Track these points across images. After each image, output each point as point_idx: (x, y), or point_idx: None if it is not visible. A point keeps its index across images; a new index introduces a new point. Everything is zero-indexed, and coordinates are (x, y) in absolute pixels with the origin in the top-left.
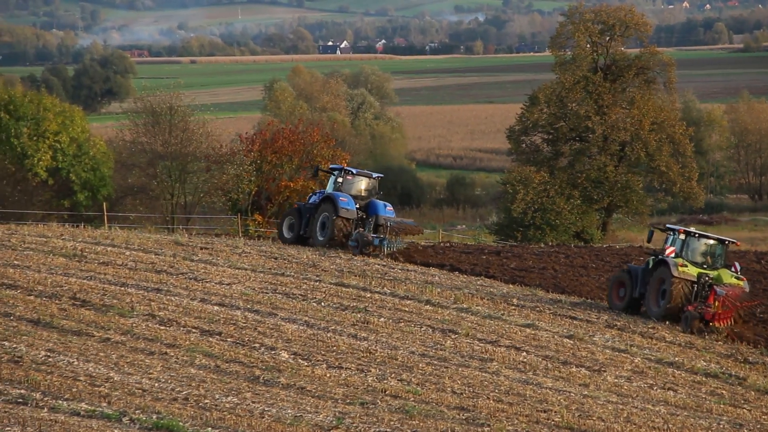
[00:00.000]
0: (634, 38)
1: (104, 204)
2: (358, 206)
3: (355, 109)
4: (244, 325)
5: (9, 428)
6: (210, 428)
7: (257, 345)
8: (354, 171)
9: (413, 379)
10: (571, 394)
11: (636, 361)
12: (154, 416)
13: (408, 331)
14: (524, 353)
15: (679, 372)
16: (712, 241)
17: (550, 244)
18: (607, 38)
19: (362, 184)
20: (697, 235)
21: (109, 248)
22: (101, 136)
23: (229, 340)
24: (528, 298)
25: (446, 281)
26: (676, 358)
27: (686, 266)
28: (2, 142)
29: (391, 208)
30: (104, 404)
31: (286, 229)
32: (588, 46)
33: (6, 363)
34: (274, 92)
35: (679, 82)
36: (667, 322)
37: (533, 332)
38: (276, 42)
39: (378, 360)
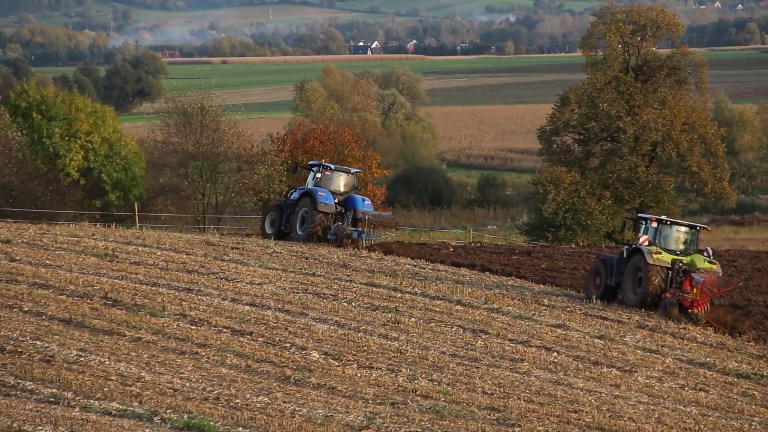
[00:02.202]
0: (665, 38)
1: (135, 204)
2: (336, 201)
3: (385, 110)
4: (275, 325)
5: (41, 427)
6: (241, 428)
7: (288, 345)
8: (332, 167)
9: (444, 380)
10: (602, 394)
11: (667, 361)
12: (185, 416)
13: (439, 331)
14: (555, 353)
15: (710, 373)
16: (683, 228)
17: (581, 244)
18: (639, 38)
19: (341, 180)
20: (669, 223)
21: (140, 248)
22: (133, 137)
23: (260, 339)
24: (559, 299)
25: (477, 281)
26: (708, 359)
27: (660, 253)
28: (34, 142)
29: (369, 202)
30: (135, 404)
31: (267, 225)
32: (619, 46)
33: (38, 362)
34: (305, 92)
35: (710, 82)
36: (644, 310)
37: (564, 332)
38: (307, 42)
39: (409, 360)
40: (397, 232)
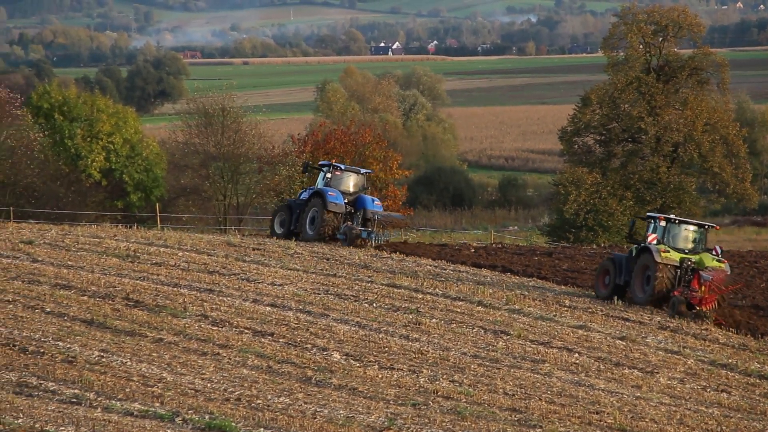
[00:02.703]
0: (687, 39)
1: (157, 205)
2: (346, 201)
3: (407, 110)
4: (296, 325)
5: (63, 428)
6: (262, 428)
7: (309, 346)
8: (342, 167)
9: (465, 380)
10: (624, 395)
11: (689, 362)
12: (207, 416)
13: (460, 332)
14: (576, 354)
15: (732, 374)
16: (692, 227)
17: (603, 245)
18: (660, 39)
19: (351, 180)
20: (677, 222)
21: (161, 249)
22: (154, 137)
23: (281, 340)
24: (580, 300)
25: (498, 282)
26: (730, 360)
27: (669, 252)
28: (56, 143)
29: (379, 203)
30: (157, 404)
31: (277, 225)
32: (641, 46)
33: (60, 363)
34: (326, 93)
35: (732, 82)
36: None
37: (585, 333)
38: (328, 43)
39: (430, 361)
40: (417, 233)
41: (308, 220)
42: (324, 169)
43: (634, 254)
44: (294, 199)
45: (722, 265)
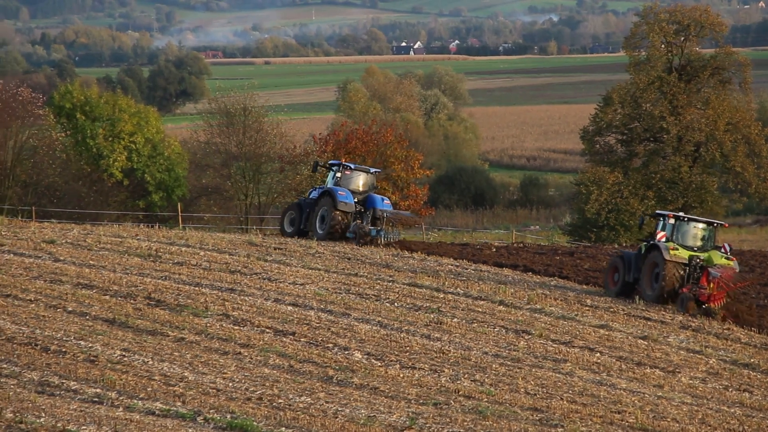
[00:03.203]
0: (709, 38)
1: (179, 204)
2: (356, 200)
3: (428, 110)
4: (318, 325)
5: (85, 427)
6: (284, 428)
7: (331, 345)
8: (352, 166)
9: (486, 380)
10: (646, 395)
11: (711, 362)
12: (228, 416)
13: (481, 331)
14: (598, 354)
15: (754, 373)
16: (701, 224)
17: (624, 245)
18: (682, 38)
19: (360, 179)
20: (686, 219)
21: (183, 248)
22: (176, 137)
23: (302, 340)
24: (602, 299)
25: (520, 282)
26: (752, 360)
27: (677, 249)
28: (78, 143)
29: (389, 202)
30: (179, 404)
31: (287, 224)
32: (662, 46)
33: (82, 362)
34: (347, 93)
35: (754, 82)
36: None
37: (607, 333)
38: (350, 43)
39: (451, 360)
40: (439, 233)
41: (318, 219)
42: (333, 168)
43: (643, 252)
44: (304, 198)
45: (731, 262)
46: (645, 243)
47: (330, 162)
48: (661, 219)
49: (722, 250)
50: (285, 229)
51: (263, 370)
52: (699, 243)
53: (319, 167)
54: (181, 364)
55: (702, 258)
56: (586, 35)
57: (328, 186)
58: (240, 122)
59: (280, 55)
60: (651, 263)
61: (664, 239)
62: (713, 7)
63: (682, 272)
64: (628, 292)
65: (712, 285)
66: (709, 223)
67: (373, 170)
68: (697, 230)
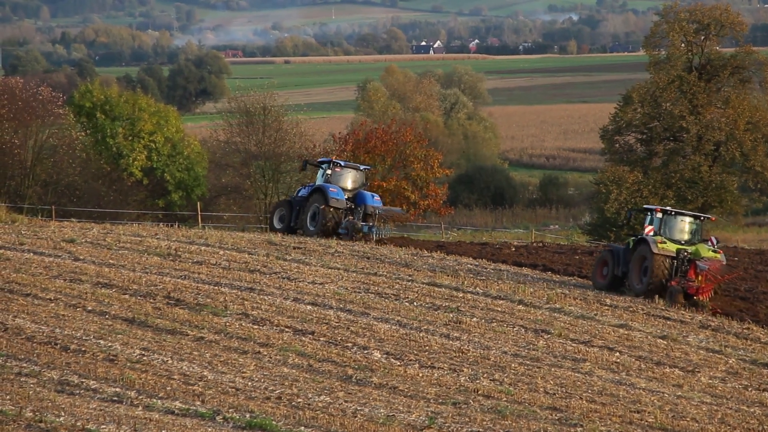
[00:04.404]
0: (729, 37)
1: (198, 204)
2: (346, 197)
3: (447, 109)
4: (337, 324)
5: (104, 426)
6: (303, 427)
7: (350, 344)
8: (342, 163)
9: (506, 379)
10: (665, 394)
11: (730, 361)
12: (248, 415)
13: (500, 331)
14: (617, 353)
15: None
16: (688, 218)
17: None
18: (702, 37)
19: (350, 177)
20: (674, 213)
21: (202, 248)
22: (195, 136)
23: (321, 339)
24: (621, 299)
25: (539, 281)
26: None
27: (665, 243)
28: (98, 142)
29: (378, 199)
30: (198, 403)
31: (276, 221)
32: (683, 45)
33: (101, 361)
34: (367, 92)
35: None
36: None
37: (626, 332)
38: (369, 42)
39: (470, 360)
40: (458, 232)
41: (309, 216)
42: (323, 165)
43: (631, 246)
44: (293, 196)
45: (718, 255)
46: (633, 237)
47: (320, 159)
48: (649, 213)
49: (709, 244)
50: (274, 226)
51: (282, 369)
52: (686, 237)
53: (308, 165)
54: (201, 363)
55: (689, 251)
56: (606, 34)
57: (319, 183)
58: (260, 121)
59: (300, 55)
60: (639, 257)
61: (652, 233)
62: (733, 6)
63: (669, 265)
64: (616, 285)
65: (700, 278)
66: (696, 217)
67: (363, 167)
68: (684, 224)
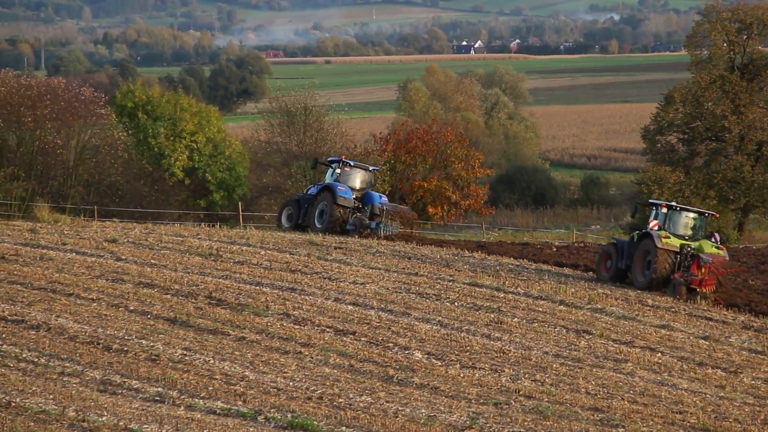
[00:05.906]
0: None
1: (239, 204)
2: (354, 196)
3: (488, 109)
4: (378, 324)
5: (147, 426)
6: (344, 427)
7: (391, 345)
8: (352, 163)
9: (547, 380)
10: (707, 395)
11: None
12: (289, 415)
13: (542, 331)
14: (659, 354)
15: None
16: (693, 214)
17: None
18: (745, 37)
19: (359, 176)
20: (678, 209)
21: (244, 248)
22: (237, 136)
23: (362, 339)
24: (663, 299)
25: (580, 281)
26: None
27: (669, 238)
28: (140, 142)
29: (386, 199)
30: (240, 403)
31: (284, 219)
32: (725, 44)
33: (143, 361)
34: (408, 92)
35: None
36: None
37: (668, 333)
38: (410, 42)
39: (511, 360)
40: (499, 232)
41: (317, 214)
42: (333, 165)
43: (635, 240)
44: (302, 194)
45: (720, 251)
46: (637, 231)
47: (330, 159)
48: (654, 208)
49: (713, 240)
50: (282, 224)
51: (324, 369)
52: (690, 232)
53: (318, 164)
54: (242, 363)
55: (693, 246)
56: (647, 34)
57: (328, 182)
58: (301, 121)
59: (341, 54)
60: (643, 251)
61: (656, 228)
62: None
63: (673, 260)
64: (620, 278)
65: (703, 270)
66: (700, 213)
67: (372, 168)
68: (688, 220)
